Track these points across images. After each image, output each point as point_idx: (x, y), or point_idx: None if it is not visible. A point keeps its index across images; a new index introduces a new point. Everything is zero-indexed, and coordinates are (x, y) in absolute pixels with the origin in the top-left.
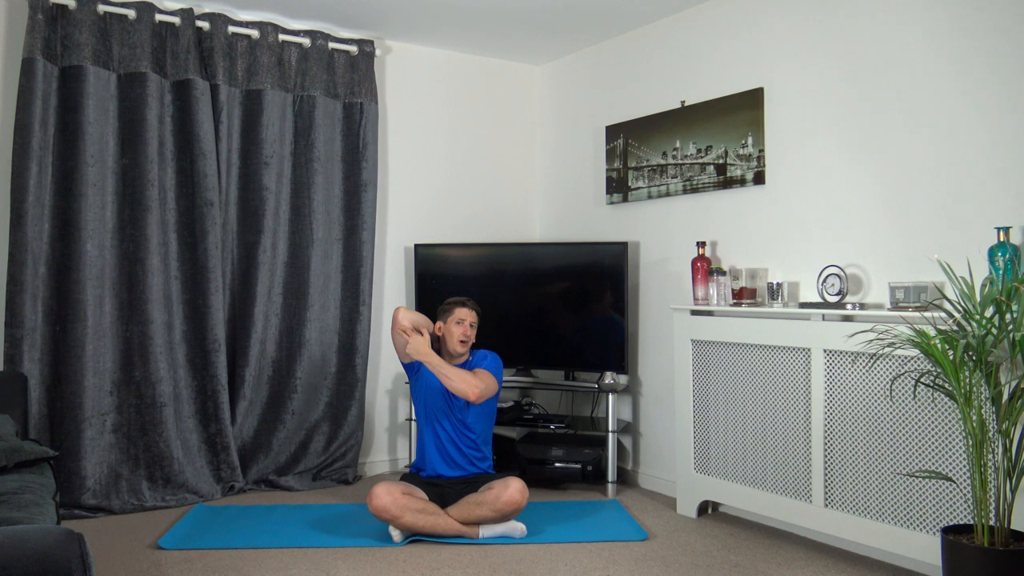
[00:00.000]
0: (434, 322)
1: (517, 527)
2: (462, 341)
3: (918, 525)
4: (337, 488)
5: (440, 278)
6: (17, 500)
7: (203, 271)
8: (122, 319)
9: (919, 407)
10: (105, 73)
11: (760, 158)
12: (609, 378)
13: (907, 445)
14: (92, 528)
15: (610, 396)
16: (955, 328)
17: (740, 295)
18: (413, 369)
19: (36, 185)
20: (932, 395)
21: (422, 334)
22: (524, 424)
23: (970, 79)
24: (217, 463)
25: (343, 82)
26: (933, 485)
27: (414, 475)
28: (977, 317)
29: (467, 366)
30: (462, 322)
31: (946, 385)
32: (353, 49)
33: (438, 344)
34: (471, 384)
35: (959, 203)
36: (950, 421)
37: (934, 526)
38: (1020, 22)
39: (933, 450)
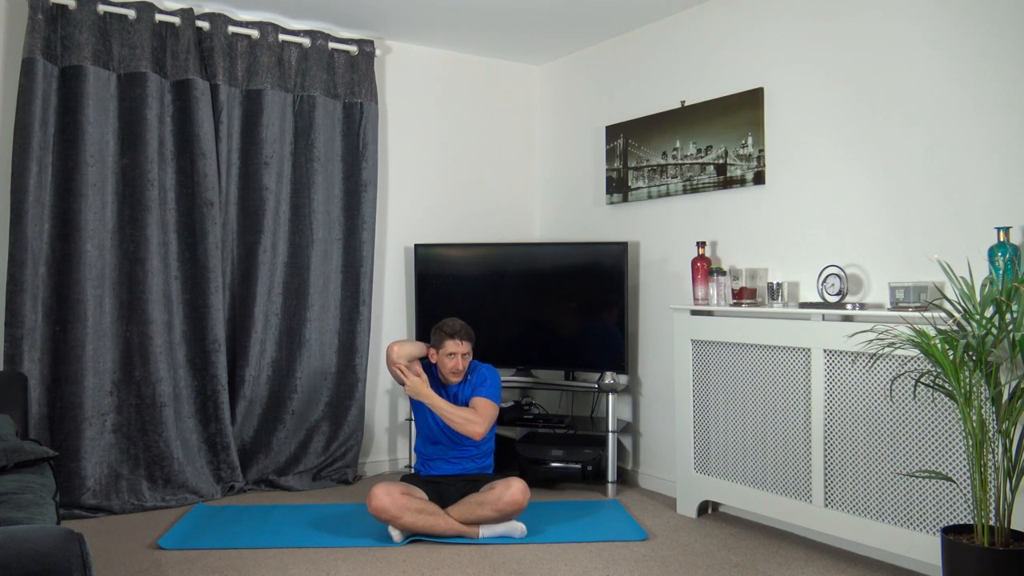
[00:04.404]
0: (428, 342)
1: (517, 527)
2: (454, 373)
3: (918, 525)
4: (337, 488)
5: (440, 278)
6: (17, 500)
7: (203, 271)
8: (122, 319)
9: (919, 407)
10: (105, 73)
11: (760, 158)
12: (609, 378)
13: (907, 445)
14: (92, 528)
15: (610, 396)
16: (955, 328)
17: (740, 295)
18: None
19: (36, 185)
20: (932, 395)
21: (419, 364)
22: (524, 424)
23: (970, 79)
24: (217, 463)
25: (343, 82)
26: (933, 485)
27: (414, 475)
28: (977, 317)
29: (465, 385)
30: (453, 355)
31: (946, 385)
32: (353, 49)
33: (432, 371)
34: (474, 424)
35: (959, 203)
36: (950, 421)
37: (934, 526)
38: (1020, 22)
39: (933, 450)
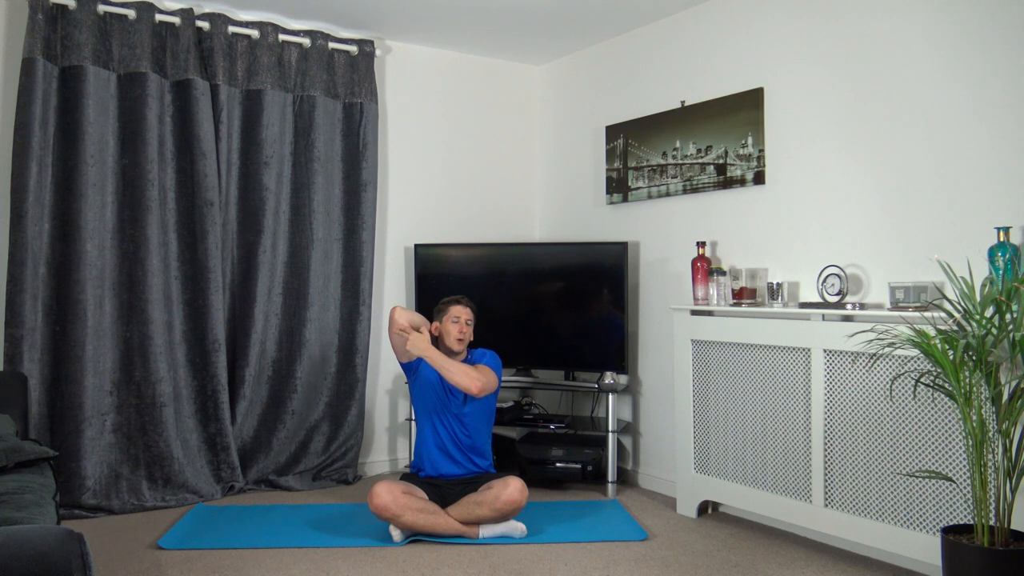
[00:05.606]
0: (431, 322)
1: (517, 527)
2: (459, 339)
3: (918, 525)
4: (337, 488)
5: (440, 278)
6: (17, 500)
7: (203, 271)
8: (122, 319)
9: (919, 407)
10: (105, 73)
11: (760, 158)
12: (609, 378)
13: (907, 445)
14: (92, 528)
15: (610, 396)
16: (955, 328)
17: (740, 295)
18: (411, 369)
19: (36, 185)
20: (932, 395)
21: (420, 332)
22: (524, 424)
23: (970, 79)
24: (217, 463)
25: (343, 82)
26: (933, 485)
27: (413, 475)
28: (977, 317)
29: (465, 363)
30: (458, 320)
31: (946, 385)
32: (353, 49)
33: (437, 344)
34: (472, 377)
35: (959, 203)
36: (950, 421)
37: (934, 526)
38: (1020, 22)
39: (933, 450)
